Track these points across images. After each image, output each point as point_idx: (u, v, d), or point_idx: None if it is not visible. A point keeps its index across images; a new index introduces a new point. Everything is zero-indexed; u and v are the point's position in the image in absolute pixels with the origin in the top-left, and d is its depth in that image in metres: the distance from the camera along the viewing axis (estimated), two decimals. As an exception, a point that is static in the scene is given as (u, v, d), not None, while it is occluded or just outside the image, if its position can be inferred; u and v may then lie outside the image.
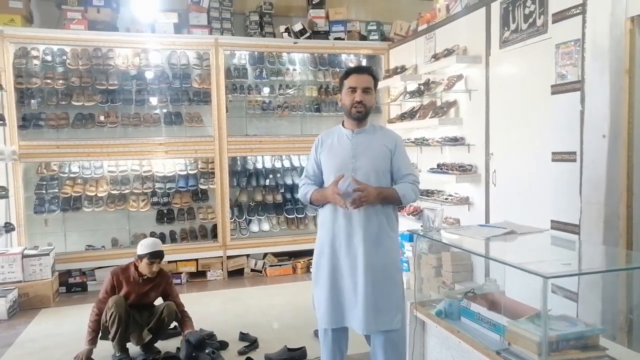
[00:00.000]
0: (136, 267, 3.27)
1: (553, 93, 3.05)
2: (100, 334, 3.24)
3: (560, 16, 2.97)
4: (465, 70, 4.18)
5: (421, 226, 4.06)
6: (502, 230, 2.08)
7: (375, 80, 2.50)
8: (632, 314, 2.50)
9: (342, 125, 2.54)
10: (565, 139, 2.96)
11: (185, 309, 3.44)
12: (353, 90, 2.41)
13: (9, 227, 4.56)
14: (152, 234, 5.31)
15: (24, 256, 4.45)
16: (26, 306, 4.36)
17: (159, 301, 3.43)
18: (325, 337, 2.55)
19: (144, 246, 3.26)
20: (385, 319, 2.38)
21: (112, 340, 3.20)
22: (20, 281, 4.40)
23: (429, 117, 4.52)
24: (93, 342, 3.20)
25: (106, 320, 3.17)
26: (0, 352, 3.43)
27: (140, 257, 3.23)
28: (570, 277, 2.44)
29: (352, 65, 5.88)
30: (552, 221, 3.04)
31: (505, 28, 3.60)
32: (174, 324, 3.42)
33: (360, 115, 2.43)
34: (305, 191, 2.54)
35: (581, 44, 2.83)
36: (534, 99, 3.33)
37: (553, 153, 3.05)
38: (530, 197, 3.38)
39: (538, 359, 1.46)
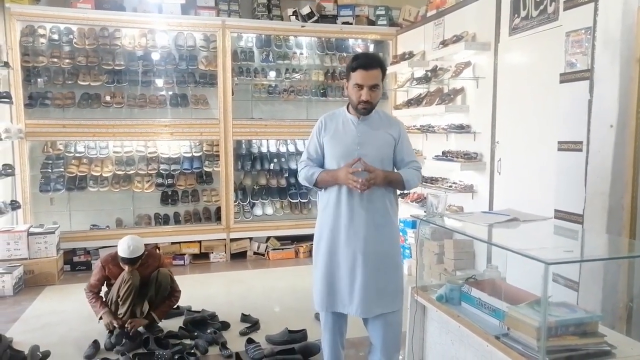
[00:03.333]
0: None
1: (562, 82, 3.03)
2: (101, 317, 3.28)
3: (572, 4, 2.93)
4: (474, 58, 4.15)
5: (424, 212, 4.06)
6: (505, 217, 2.08)
7: (384, 72, 2.42)
8: (633, 302, 2.51)
9: (347, 109, 2.51)
10: (572, 128, 2.94)
11: (177, 289, 3.45)
12: (360, 87, 2.33)
13: (14, 205, 4.60)
14: (157, 215, 5.35)
15: (29, 234, 4.49)
16: (31, 283, 4.42)
17: None
18: (326, 320, 2.56)
19: (121, 248, 3.16)
20: (386, 302, 2.40)
21: (123, 316, 3.23)
22: (26, 258, 4.45)
23: (436, 104, 4.50)
24: (104, 306, 3.25)
25: (119, 296, 3.20)
26: (6, 327, 3.49)
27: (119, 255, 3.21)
28: (572, 264, 2.44)
29: (359, 50, 5.84)
30: (555, 210, 3.04)
31: (516, 15, 3.56)
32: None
33: (366, 112, 2.40)
34: (310, 172, 2.47)
35: (592, 32, 2.79)
36: (542, 88, 3.30)
37: (559, 142, 3.04)
38: (534, 186, 3.38)
39: (537, 343, 1.47)
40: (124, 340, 3.15)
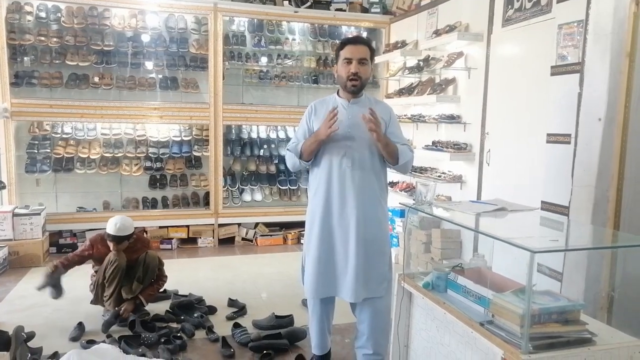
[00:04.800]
0: None
1: (552, 74, 3.04)
2: (92, 299, 3.27)
3: (565, -4, 2.94)
4: (466, 48, 4.15)
5: (413, 200, 4.08)
6: (492, 207, 2.10)
7: (372, 51, 2.45)
8: (614, 292, 2.56)
9: (337, 94, 2.52)
10: (561, 121, 2.97)
11: (164, 274, 3.46)
12: (349, 61, 2.36)
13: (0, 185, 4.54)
14: (144, 199, 5.32)
15: (14, 215, 4.44)
16: (16, 264, 4.38)
17: None
18: (314, 306, 2.58)
19: (110, 226, 3.17)
20: (372, 287, 2.43)
21: (108, 299, 3.23)
22: (11, 239, 4.40)
23: (427, 94, 4.50)
24: (62, 265, 3.24)
25: (105, 277, 3.19)
26: (-10, 307, 3.46)
27: (107, 234, 3.21)
28: (557, 253, 2.48)
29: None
30: (542, 202, 3.08)
31: (509, 6, 3.56)
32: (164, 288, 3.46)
33: (356, 88, 2.40)
34: (294, 145, 2.49)
35: (584, 25, 2.80)
36: (533, 80, 3.32)
37: (548, 134, 3.06)
38: (522, 178, 3.41)
39: (520, 330, 1.50)
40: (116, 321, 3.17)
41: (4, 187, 4.62)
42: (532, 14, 3.31)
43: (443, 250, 3.99)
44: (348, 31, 5.88)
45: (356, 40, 2.42)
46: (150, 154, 5.25)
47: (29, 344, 2.73)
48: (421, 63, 4.67)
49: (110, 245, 3.21)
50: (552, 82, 3.05)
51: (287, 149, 2.56)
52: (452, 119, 4.21)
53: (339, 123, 2.33)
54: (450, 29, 4.21)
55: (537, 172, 3.21)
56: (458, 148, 4.07)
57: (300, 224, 5.58)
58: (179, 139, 5.36)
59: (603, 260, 2.68)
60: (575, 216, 2.82)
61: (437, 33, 4.39)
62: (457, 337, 1.87)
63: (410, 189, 4.75)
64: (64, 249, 4.90)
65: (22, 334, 2.70)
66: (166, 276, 3.48)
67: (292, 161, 2.52)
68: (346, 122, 2.41)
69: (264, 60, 5.63)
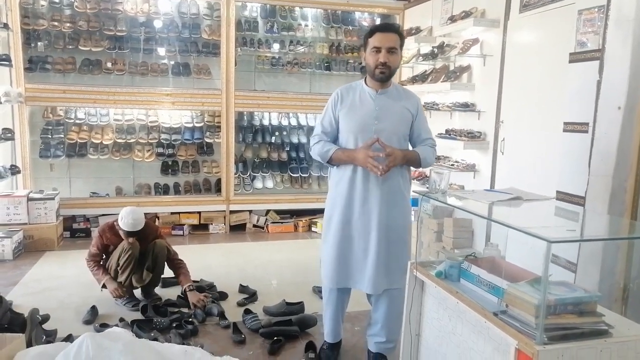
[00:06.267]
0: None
1: (571, 61, 2.98)
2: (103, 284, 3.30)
3: (586, -20, 2.86)
4: (482, 34, 4.07)
5: (427, 188, 4.06)
6: (507, 196, 2.07)
7: (402, 38, 2.37)
8: (633, 283, 2.52)
9: (365, 82, 2.44)
10: (578, 109, 2.91)
11: (180, 258, 3.48)
12: (377, 50, 2.29)
13: (14, 170, 4.59)
14: (157, 185, 5.34)
15: (29, 199, 4.49)
16: (31, 248, 4.44)
17: None
18: (330, 295, 2.56)
19: (124, 222, 3.16)
20: (392, 278, 2.42)
21: (121, 286, 3.26)
22: (26, 223, 4.46)
23: (441, 81, 4.44)
24: (106, 273, 3.28)
25: (118, 265, 3.22)
26: (6, 290, 3.51)
27: (119, 226, 3.22)
28: (572, 243, 2.44)
29: (365, 24, 5.74)
30: (557, 192, 3.03)
31: (527, -9, 3.47)
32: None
33: (384, 76, 2.33)
34: (325, 149, 2.40)
35: (605, 10, 2.73)
36: (550, 67, 3.25)
37: (565, 123, 3.00)
38: (537, 167, 3.36)
39: (535, 321, 1.48)
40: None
41: (18, 172, 4.67)
42: (551, -1, 3.23)
43: (455, 239, 3.94)
44: (362, 17, 5.80)
45: (385, 28, 2.35)
46: (162, 140, 5.26)
47: (43, 326, 2.78)
48: (435, 50, 4.60)
49: (124, 238, 3.23)
50: (571, 69, 2.98)
51: (313, 143, 2.47)
52: (466, 106, 4.16)
53: (366, 114, 2.34)
54: (466, 15, 4.13)
55: (552, 161, 3.15)
56: (472, 136, 4.02)
57: (311, 212, 5.60)
58: (191, 125, 5.36)
59: (619, 251, 2.63)
60: (591, 206, 2.77)
61: (452, 19, 4.31)
62: (470, 326, 1.85)
63: (423, 178, 4.71)
64: (77, 233, 4.96)
65: (37, 316, 2.73)
66: (182, 260, 3.51)
67: (318, 158, 2.47)
68: (373, 113, 2.37)
69: (276, 46, 5.58)
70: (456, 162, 4.24)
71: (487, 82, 4.00)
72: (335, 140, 2.46)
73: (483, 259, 2.03)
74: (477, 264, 1.92)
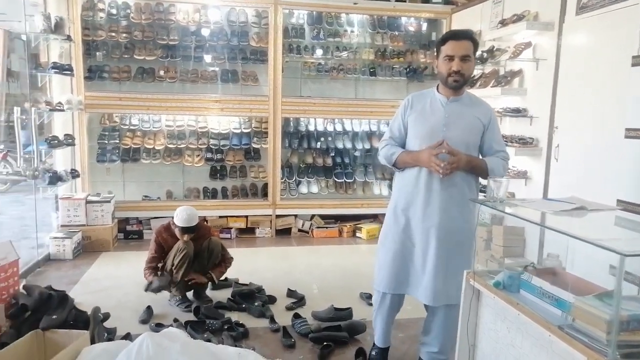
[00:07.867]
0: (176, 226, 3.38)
1: (634, 65, 2.85)
2: (160, 284, 3.38)
3: (651, -19, 2.75)
4: (535, 38, 3.97)
5: (484, 196, 3.99)
6: (571, 205, 2.00)
7: (475, 45, 2.32)
8: None
9: (437, 90, 2.41)
10: (642, 115, 2.78)
11: (231, 256, 3.62)
12: (450, 58, 2.25)
13: (74, 174, 4.81)
14: (205, 189, 5.48)
15: (87, 202, 4.71)
16: (88, 249, 4.65)
17: None
18: (382, 301, 2.54)
19: (179, 218, 3.30)
20: (452, 292, 2.35)
21: (176, 284, 3.38)
22: (84, 225, 4.68)
23: (491, 86, 4.36)
24: (154, 274, 3.39)
25: (173, 264, 3.33)
26: (67, 288, 3.67)
27: (175, 224, 3.35)
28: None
29: (412, 29, 5.71)
30: (618, 200, 2.91)
31: (585, -7, 3.37)
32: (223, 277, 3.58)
33: (457, 84, 2.30)
34: (391, 152, 2.41)
35: (672, 12, 2.61)
36: (611, 71, 3.13)
37: (627, 129, 2.88)
38: (595, 175, 3.23)
39: (606, 337, 1.43)
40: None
41: (77, 176, 4.90)
42: (612, 0, 3.12)
43: (505, 248, 3.85)
44: (408, 22, 5.77)
45: (458, 35, 2.30)
46: (211, 146, 5.40)
47: (104, 324, 2.90)
48: (485, 54, 4.52)
49: (184, 236, 3.34)
50: (633, 73, 2.86)
51: (381, 147, 2.49)
52: (518, 112, 4.05)
53: (435, 121, 2.33)
54: (518, 18, 4.04)
55: (612, 168, 3.03)
56: (524, 143, 3.91)
57: (356, 217, 5.60)
58: (238, 131, 5.47)
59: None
60: (657, 217, 2.64)
61: (503, 23, 4.22)
62: (532, 339, 1.81)
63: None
64: (130, 235, 5.15)
65: (99, 314, 2.86)
66: (232, 257, 3.63)
67: (384, 161, 2.48)
68: (442, 120, 2.33)
69: (320, 53, 5.63)
70: (507, 168, 4.13)
71: (540, 86, 3.89)
72: (403, 146, 2.45)
73: (542, 269, 1.98)
74: (538, 275, 1.88)
